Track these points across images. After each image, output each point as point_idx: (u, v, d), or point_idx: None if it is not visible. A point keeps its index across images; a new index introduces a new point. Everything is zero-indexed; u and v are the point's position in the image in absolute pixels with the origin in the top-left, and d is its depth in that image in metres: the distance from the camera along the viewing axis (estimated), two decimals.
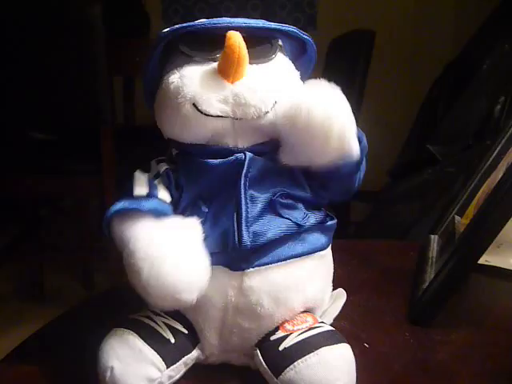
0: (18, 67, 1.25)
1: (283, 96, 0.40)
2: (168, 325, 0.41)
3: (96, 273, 1.79)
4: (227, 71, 0.38)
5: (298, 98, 0.39)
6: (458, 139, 1.23)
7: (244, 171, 0.40)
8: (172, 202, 0.41)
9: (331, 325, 0.44)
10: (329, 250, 0.45)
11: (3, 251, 1.52)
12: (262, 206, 0.40)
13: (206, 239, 0.39)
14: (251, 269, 0.40)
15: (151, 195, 0.41)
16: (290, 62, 0.44)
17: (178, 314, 0.42)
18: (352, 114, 0.39)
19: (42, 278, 1.77)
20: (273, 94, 0.40)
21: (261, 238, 0.40)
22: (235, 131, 0.41)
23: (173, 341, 0.41)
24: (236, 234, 0.39)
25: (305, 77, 0.45)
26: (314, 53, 0.46)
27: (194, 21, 0.41)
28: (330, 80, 0.45)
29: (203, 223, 0.40)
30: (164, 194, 0.41)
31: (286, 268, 0.40)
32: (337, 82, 0.45)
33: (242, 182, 0.40)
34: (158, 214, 0.39)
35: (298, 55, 0.46)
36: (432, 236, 0.68)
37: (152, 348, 0.39)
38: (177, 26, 0.41)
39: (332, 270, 0.47)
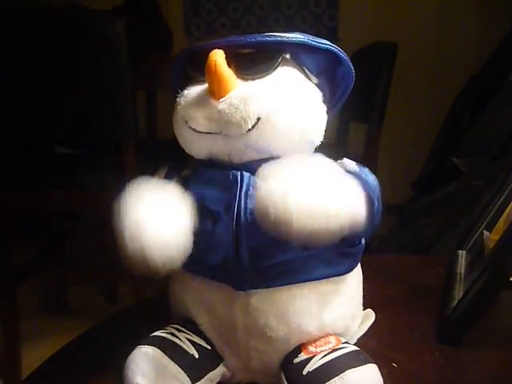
0: (42, 82, 1.27)
1: (271, 112, 0.38)
2: (191, 341, 0.41)
3: (120, 286, 1.80)
4: (210, 89, 0.39)
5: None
6: (484, 152, 1.21)
7: (244, 189, 0.39)
8: None
9: (358, 343, 0.43)
10: (352, 274, 0.43)
11: (28, 265, 1.54)
12: None
13: (211, 253, 0.40)
14: (254, 290, 0.39)
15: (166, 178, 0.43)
16: (304, 75, 0.42)
17: (200, 332, 0.42)
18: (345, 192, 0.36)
19: (66, 291, 1.78)
20: (255, 110, 0.38)
21: (262, 260, 0.39)
22: (227, 148, 0.40)
23: (197, 356, 0.40)
24: (235, 253, 0.39)
25: (348, 89, 0.45)
26: (346, 61, 0.43)
27: (215, 35, 0.42)
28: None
29: (211, 236, 0.40)
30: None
31: (293, 292, 0.39)
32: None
33: (243, 200, 0.39)
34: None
35: (334, 66, 0.43)
36: (460, 251, 0.66)
37: (177, 364, 0.39)
38: (184, 49, 0.43)
39: (359, 297, 0.45)
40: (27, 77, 1.26)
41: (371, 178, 0.40)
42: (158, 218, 0.39)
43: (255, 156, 0.40)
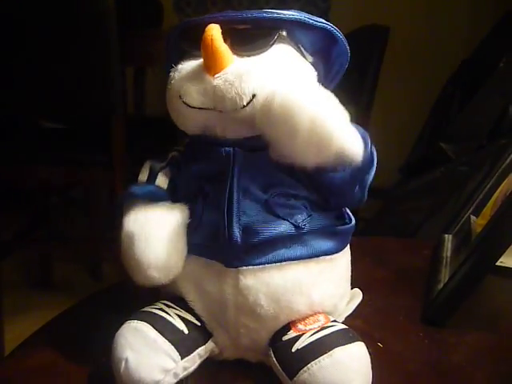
0: (29, 56, 1.25)
1: (266, 89, 0.38)
2: (181, 316, 0.41)
3: (104, 263, 1.80)
4: (206, 64, 0.38)
5: (272, 88, 0.37)
6: (472, 138, 1.21)
7: (236, 166, 0.39)
8: (171, 190, 0.44)
9: (345, 323, 0.44)
10: (342, 254, 0.43)
11: (13, 239, 1.53)
12: (256, 204, 0.40)
13: (200, 230, 0.41)
14: (245, 267, 0.39)
15: (149, 182, 0.44)
16: (300, 53, 0.42)
17: (189, 308, 0.42)
18: (341, 116, 0.35)
19: (50, 267, 1.77)
20: (251, 87, 0.38)
21: (254, 236, 0.39)
22: (222, 123, 0.40)
23: (186, 332, 0.41)
24: (226, 228, 0.39)
25: (342, 68, 0.45)
26: (342, 40, 0.42)
27: (206, 12, 0.42)
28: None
29: (200, 214, 0.41)
30: (162, 182, 0.44)
31: (284, 270, 0.40)
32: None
33: (235, 177, 0.39)
34: (152, 198, 0.42)
35: (330, 46, 0.43)
36: (446, 235, 0.67)
37: (166, 338, 0.39)
38: (179, 23, 0.42)
39: (348, 276, 0.45)
40: (14, 51, 1.23)
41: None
42: (150, 232, 0.40)
43: (249, 132, 0.40)
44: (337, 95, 0.47)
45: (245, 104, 0.38)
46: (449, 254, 0.61)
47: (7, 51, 1.24)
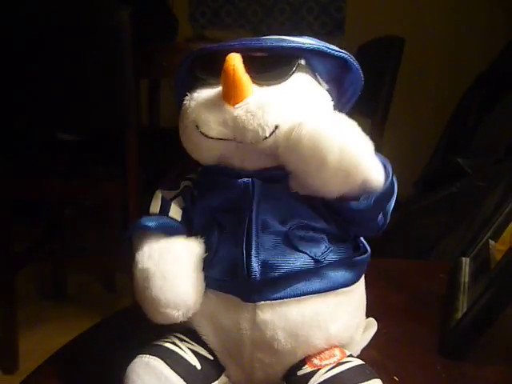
0: (45, 69, 1.26)
1: (288, 120, 0.37)
2: (193, 351, 0.41)
3: (118, 274, 1.80)
4: (226, 94, 0.37)
5: (296, 120, 0.37)
6: (489, 152, 1.20)
7: (255, 198, 0.39)
8: (186, 221, 0.42)
9: (359, 355, 0.43)
10: (357, 285, 0.42)
11: (27, 251, 1.54)
12: (275, 237, 0.39)
13: (216, 264, 0.40)
14: (263, 302, 0.38)
15: (162, 213, 0.42)
16: (317, 82, 0.42)
17: (202, 341, 0.41)
18: (367, 144, 0.35)
19: (65, 278, 1.78)
20: (274, 118, 0.37)
21: (273, 271, 0.38)
22: (240, 154, 0.40)
23: (199, 367, 0.40)
24: (245, 263, 0.38)
25: (355, 96, 0.45)
26: (357, 69, 0.42)
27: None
28: None
29: (216, 248, 0.40)
30: (176, 213, 0.43)
31: (302, 304, 0.39)
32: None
33: (254, 209, 0.39)
34: (166, 231, 0.41)
35: (343, 74, 0.43)
36: (463, 259, 0.66)
37: (179, 375, 0.38)
38: (194, 50, 0.42)
39: (363, 306, 0.44)
40: (30, 63, 1.25)
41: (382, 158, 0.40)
42: (164, 269, 0.39)
43: (269, 163, 0.39)
44: (351, 107, 0.46)
45: (267, 135, 0.38)
46: (466, 279, 0.60)
47: (23, 63, 1.25)
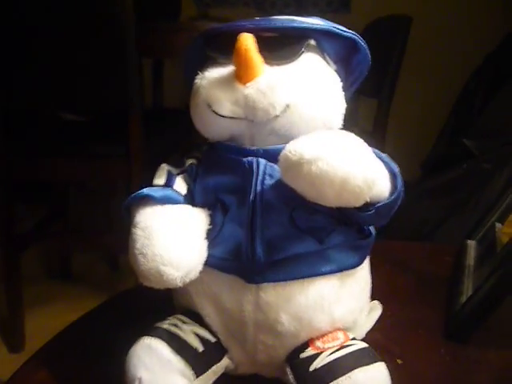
0: (47, 49, 1.25)
1: (299, 99, 0.38)
2: (196, 333, 0.40)
3: (122, 253, 1.80)
4: (238, 73, 0.38)
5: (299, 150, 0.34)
6: (497, 134, 1.18)
7: (260, 178, 0.38)
8: (189, 197, 0.42)
9: (364, 338, 0.43)
10: (362, 268, 0.42)
11: (32, 231, 1.54)
12: (280, 219, 0.38)
13: (219, 243, 0.39)
14: (266, 283, 0.38)
15: (167, 185, 0.42)
16: (325, 62, 0.42)
17: (204, 323, 0.41)
18: (370, 168, 0.33)
19: (70, 258, 1.79)
20: (284, 97, 0.38)
21: (277, 253, 0.38)
22: (251, 133, 0.40)
23: (201, 349, 0.40)
24: (249, 244, 0.38)
25: (362, 76, 0.45)
26: (365, 49, 0.42)
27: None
28: None
29: (220, 227, 0.40)
30: (181, 187, 0.42)
31: (306, 286, 0.38)
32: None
33: (258, 189, 0.38)
34: (170, 202, 0.40)
35: (351, 54, 0.43)
36: (469, 241, 0.65)
37: (181, 357, 0.38)
38: (205, 29, 0.41)
39: (368, 288, 0.44)
40: (32, 44, 1.24)
41: (395, 166, 0.39)
42: (168, 228, 0.38)
43: (277, 141, 0.39)
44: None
45: (277, 114, 0.38)
46: (472, 262, 0.59)
47: (26, 44, 1.24)
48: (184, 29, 1.45)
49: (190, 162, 0.44)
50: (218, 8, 2.26)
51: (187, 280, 0.37)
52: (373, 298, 0.47)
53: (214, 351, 0.41)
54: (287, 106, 0.38)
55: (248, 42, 0.37)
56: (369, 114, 1.49)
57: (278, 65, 0.39)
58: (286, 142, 0.37)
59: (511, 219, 0.58)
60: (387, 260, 0.65)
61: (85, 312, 0.55)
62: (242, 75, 0.37)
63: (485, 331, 0.47)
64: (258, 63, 0.37)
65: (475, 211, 1.05)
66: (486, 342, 0.47)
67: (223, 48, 0.39)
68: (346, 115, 0.43)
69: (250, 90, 0.37)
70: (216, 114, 0.39)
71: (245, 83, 0.37)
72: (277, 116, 0.38)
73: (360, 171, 0.33)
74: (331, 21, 0.42)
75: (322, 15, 0.43)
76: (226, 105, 0.38)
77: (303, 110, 0.38)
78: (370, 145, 0.36)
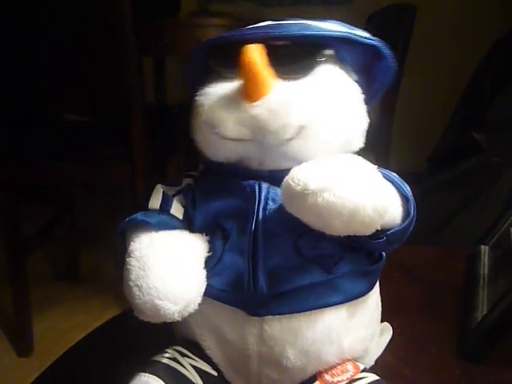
0: (47, 49, 1.24)
1: (316, 119, 0.34)
2: (196, 367, 0.38)
3: None
4: (245, 91, 0.34)
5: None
6: (507, 126, 1.15)
7: (262, 203, 0.35)
8: (186, 221, 0.39)
9: None
10: (372, 293, 0.39)
11: (38, 234, 1.53)
12: (284, 247, 0.36)
13: (220, 272, 0.37)
14: (270, 316, 0.35)
15: (163, 209, 0.39)
16: (345, 73, 0.38)
17: (206, 356, 0.39)
18: (380, 197, 0.31)
19: (76, 260, 1.78)
20: (298, 117, 0.34)
21: (281, 284, 0.35)
22: (261, 156, 0.36)
23: None
24: (251, 276, 0.35)
25: (383, 86, 0.41)
26: (389, 56, 0.38)
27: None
28: None
29: (220, 255, 0.37)
30: (178, 211, 0.40)
31: (313, 318, 0.36)
32: None
33: (260, 216, 0.35)
34: (166, 228, 0.38)
35: (371, 62, 0.39)
36: (482, 247, 0.63)
37: None
38: (207, 39, 0.38)
39: (378, 314, 0.42)
40: (32, 45, 1.22)
41: (407, 188, 0.36)
42: (165, 258, 0.35)
43: (291, 165, 0.34)
44: None
45: (290, 137, 0.34)
46: (486, 271, 0.57)
47: (25, 45, 1.23)
48: (184, 25, 1.42)
49: (186, 181, 0.41)
50: (218, 3, 2.22)
51: (186, 314, 0.34)
52: (382, 310, 0.44)
53: None
54: (302, 127, 0.34)
55: (255, 54, 0.33)
56: (374, 107, 1.46)
57: (291, 79, 0.35)
58: (298, 165, 0.33)
59: None
60: (395, 267, 0.62)
61: (91, 314, 0.52)
62: (249, 93, 0.33)
63: (503, 350, 0.45)
64: (267, 79, 0.33)
65: (486, 207, 1.02)
66: (505, 362, 0.45)
67: (228, 60, 0.35)
68: None
69: (259, 109, 0.33)
70: (220, 136, 0.35)
71: (253, 102, 0.33)
72: (289, 139, 0.34)
73: (370, 201, 0.30)
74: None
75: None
76: (231, 126, 0.35)
77: (320, 131, 0.35)
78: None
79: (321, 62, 0.36)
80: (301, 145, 0.35)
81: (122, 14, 1.21)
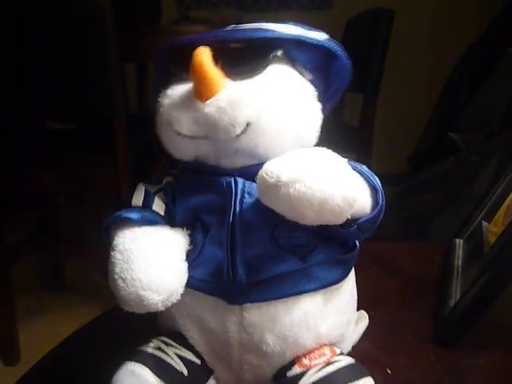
0: (28, 57, 1.24)
1: (262, 116, 0.36)
2: (180, 356, 0.40)
3: None
4: (196, 91, 0.36)
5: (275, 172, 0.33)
6: (483, 126, 1.18)
7: (238, 197, 0.37)
8: (168, 217, 0.41)
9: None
10: (347, 281, 0.41)
11: (23, 242, 1.53)
12: (261, 238, 0.38)
13: (200, 264, 0.38)
14: (249, 304, 0.37)
15: (145, 206, 0.41)
16: (297, 72, 0.39)
17: (189, 345, 0.40)
18: (350, 186, 0.33)
19: (62, 268, 1.78)
20: (244, 115, 0.36)
21: (259, 273, 0.37)
22: (215, 152, 0.38)
23: (186, 373, 0.39)
24: (230, 266, 0.37)
25: (344, 83, 0.42)
26: (342, 55, 0.40)
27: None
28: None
29: (200, 246, 0.39)
30: (159, 207, 0.41)
31: (290, 305, 0.38)
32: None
33: (238, 209, 0.37)
34: (149, 223, 0.39)
35: (329, 60, 0.41)
36: (457, 240, 0.65)
37: (165, 383, 0.37)
38: (167, 44, 0.40)
39: (354, 299, 0.44)
40: (12, 53, 1.22)
41: (376, 179, 0.38)
42: (148, 251, 0.37)
43: (246, 161, 0.38)
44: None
45: (238, 133, 0.36)
46: (460, 262, 0.59)
47: (7, 54, 1.23)
48: (166, 32, 1.44)
49: (166, 179, 0.43)
50: (200, 9, 2.24)
51: (169, 304, 0.36)
52: (361, 302, 0.46)
53: (200, 373, 0.40)
54: (248, 123, 0.36)
55: (203, 56, 0.35)
56: (355, 110, 1.48)
57: (242, 79, 0.37)
58: (257, 161, 0.36)
59: (498, 218, 0.58)
60: (376, 262, 0.64)
61: (77, 322, 0.54)
62: (199, 92, 0.35)
63: (475, 335, 0.47)
64: (215, 78, 0.35)
65: (465, 205, 1.05)
66: (478, 347, 0.47)
67: (185, 63, 0.37)
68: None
69: (210, 107, 0.35)
70: (178, 133, 0.38)
71: (204, 101, 0.35)
72: (238, 135, 0.36)
73: (339, 190, 0.32)
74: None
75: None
76: (186, 124, 0.37)
77: (267, 127, 0.36)
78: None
79: (268, 63, 0.38)
80: (250, 140, 0.37)
81: (104, 22, 1.22)
